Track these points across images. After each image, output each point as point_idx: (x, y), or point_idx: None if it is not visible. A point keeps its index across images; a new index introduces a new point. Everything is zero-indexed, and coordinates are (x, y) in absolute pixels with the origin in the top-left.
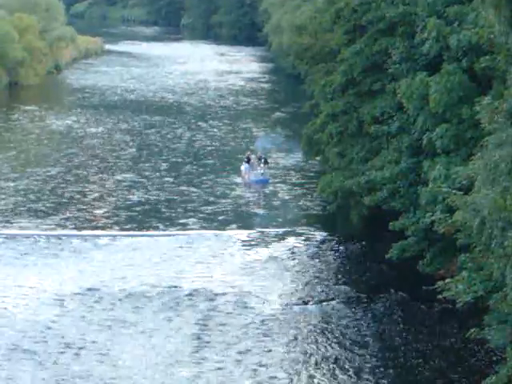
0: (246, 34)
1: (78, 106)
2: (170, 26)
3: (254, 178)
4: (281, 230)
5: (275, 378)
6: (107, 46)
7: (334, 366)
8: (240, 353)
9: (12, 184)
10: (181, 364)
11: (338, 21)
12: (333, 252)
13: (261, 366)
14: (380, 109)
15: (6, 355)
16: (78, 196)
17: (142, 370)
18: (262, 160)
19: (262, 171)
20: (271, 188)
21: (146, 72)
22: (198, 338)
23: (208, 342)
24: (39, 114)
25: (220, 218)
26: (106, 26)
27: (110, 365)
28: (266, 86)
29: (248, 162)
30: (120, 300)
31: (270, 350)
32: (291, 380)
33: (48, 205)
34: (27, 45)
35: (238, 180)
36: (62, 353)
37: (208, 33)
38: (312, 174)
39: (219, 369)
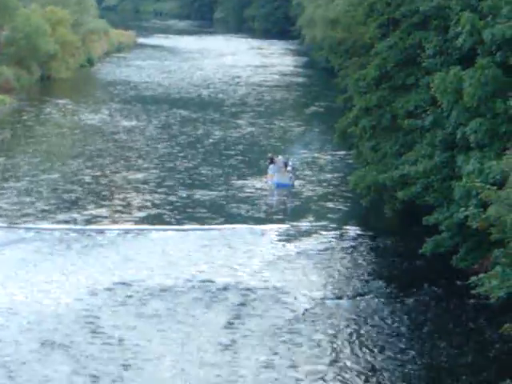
0: (279, 27)
1: (110, 99)
2: (203, 19)
3: (277, 181)
4: (313, 225)
5: (306, 375)
6: (140, 40)
7: (367, 361)
8: (272, 350)
9: (42, 177)
10: (212, 361)
11: (371, 14)
12: (366, 247)
13: (292, 364)
14: (413, 103)
15: (39, 350)
16: (107, 191)
17: (173, 366)
18: (290, 164)
19: (290, 175)
20: (303, 184)
21: (178, 66)
22: (230, 334)
23: (241, 337)
24: (71, 108)
25: (251, 213)
26: (138, 19)
27: (142, 360)
28: (299, 79)
29: (272, 163)
30: (152, 294)
31: (302, 346)
32: (324, 377)
33: (78, 199)
34: (59, 38)
35: (263, 180)
36: (94, 347)
37: (241, 27)
38: (344, 170)
39: (251, 366)
